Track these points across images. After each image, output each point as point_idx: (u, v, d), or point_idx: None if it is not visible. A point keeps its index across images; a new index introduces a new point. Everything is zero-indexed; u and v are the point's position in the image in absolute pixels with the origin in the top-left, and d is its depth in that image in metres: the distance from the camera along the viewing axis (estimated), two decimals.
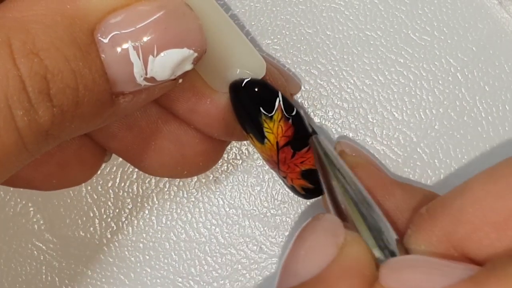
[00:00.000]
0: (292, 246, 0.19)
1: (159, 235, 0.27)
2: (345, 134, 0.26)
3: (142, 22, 0.17)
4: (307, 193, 0.24)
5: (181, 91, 0.22)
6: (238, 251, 0.27)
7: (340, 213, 0.20)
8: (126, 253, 0.27)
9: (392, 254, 0.19)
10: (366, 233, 0.20)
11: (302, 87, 0.26)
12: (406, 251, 0.20)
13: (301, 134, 0.23)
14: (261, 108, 0.22)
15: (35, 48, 0.16)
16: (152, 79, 0.18)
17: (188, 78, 0.20)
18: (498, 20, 0.26)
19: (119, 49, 0.17)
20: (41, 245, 0.27)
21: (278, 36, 0.26)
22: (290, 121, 0.23)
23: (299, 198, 0.26)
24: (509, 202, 0.18)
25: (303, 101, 0.26)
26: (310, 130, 0.23)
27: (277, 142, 0.23)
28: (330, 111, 0.26)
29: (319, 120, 0.26)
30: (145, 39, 0.17)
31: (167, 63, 0.18)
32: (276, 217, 0.27)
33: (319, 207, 0.26)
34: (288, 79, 0.25)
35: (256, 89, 0.22)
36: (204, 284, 0.27)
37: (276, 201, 0.27)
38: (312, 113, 0.26)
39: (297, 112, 0.23)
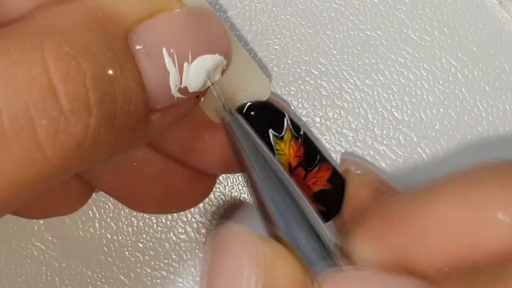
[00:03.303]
0: (208, 273, 0.16)
1: (159, 235, 0.27)
2: (345, 134, 0.26)
3: (174, 28, 0.17)
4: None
5: (179, 130, 0.21)
6: None
7: (269, 218, 0.18)
8: (126, 253, 0.27)
9: (332, 261, 0.17)
10: (301, 241, 0.17)
11: (303, 87, 0.26)
12: (345, 253, 0.17)
13: (310, 153, 0.23)
14: (270, 130, 0.22)
15: (73, 51, 0.15)
16: (185, 90, 0.18)
17: (187, 115, 0.19)
18: (498, 20, 0.26)
19: (154, 57, 0.17)
20: (41, 245, 0.27)
21: (278, 36, 0.26)
22: (299, 140, 0.22)
23: None
24: (474, 232, 0.16)
25: (303, 101, 0.26)
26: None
27: (289, 164, 0.22)
28: (330, 111, 0.26)
29: (319, 120, 0.26)
30: (179, 45, 0.17)
31: (201, 70, 0.17)
32: None
33: None
34: None
35: (264, 111, 0.22)
36: None
37: None
38: (312, 113, 0.26)
39: (304, 131, 0.22)
